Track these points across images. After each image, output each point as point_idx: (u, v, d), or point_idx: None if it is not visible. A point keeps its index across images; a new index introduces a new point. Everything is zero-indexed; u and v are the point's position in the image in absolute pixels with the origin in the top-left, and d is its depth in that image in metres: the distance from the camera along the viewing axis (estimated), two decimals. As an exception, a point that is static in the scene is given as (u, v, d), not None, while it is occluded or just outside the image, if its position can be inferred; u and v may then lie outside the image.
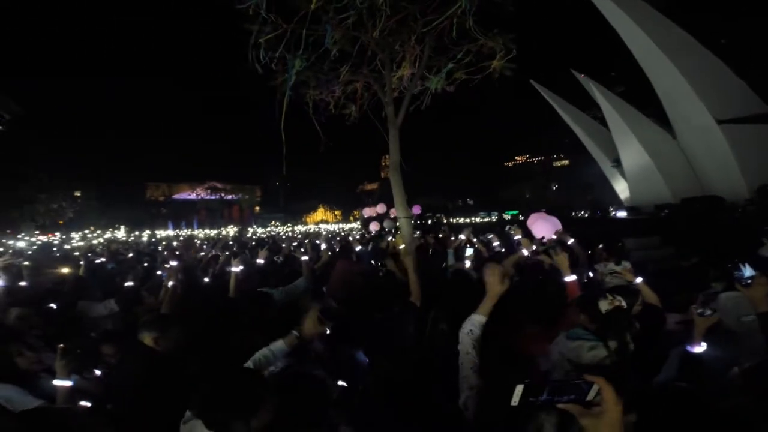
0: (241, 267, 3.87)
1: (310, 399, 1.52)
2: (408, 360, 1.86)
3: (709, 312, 2.00)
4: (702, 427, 1.22)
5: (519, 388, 0.81)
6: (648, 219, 25.77)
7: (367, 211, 17.32)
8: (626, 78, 38.53)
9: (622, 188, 39.28)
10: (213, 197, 70.71)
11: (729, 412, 1.43)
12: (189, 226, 49.98)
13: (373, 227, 16.38)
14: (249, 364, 1.89)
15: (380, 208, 15.29)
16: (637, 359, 2.05)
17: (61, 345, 1.98)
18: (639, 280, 3.05)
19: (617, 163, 37.78)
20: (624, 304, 2.15)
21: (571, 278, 2.90)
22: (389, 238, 7.52)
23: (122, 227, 31.16)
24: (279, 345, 1.95)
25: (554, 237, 4.85)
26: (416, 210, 19.63)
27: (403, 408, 1.59)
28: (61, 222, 36.60)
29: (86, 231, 22.74)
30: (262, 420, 1.37)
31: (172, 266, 3.83)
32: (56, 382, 1.94)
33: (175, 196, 71.19)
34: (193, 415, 1.46)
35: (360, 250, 6.62)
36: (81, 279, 4.72)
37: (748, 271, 1.75)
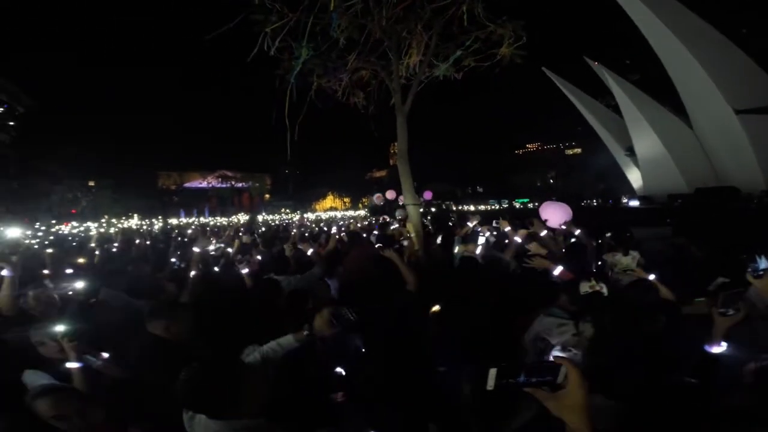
0: (253, 260, 3.87)
1: (311, 385, 1.54)
2: (406, 350, 1.88)
3: (731, 312, 1.91)
4: (705, 423, 1.21)
5: (493, 372, 0.81)
6: (661, 208, 25.39)
7: (378, 198, 17.38)
8: (641, 66, 37.51)
9: (635, 177, 38.63)
10: (224, 185, 71.37)
11: (735, 409, 1.41)
12: (200, 214, 50.64)
13: (377, 200, 16.42)
14: (257, 356, 1.91)
15: (390, 195, 15.29)
16: (653, 353, 2.06)
17: (63, 328, 2.04)
18: (652, 277, 3.02)
19: (630, 151, 37.11)
20: (605, 290, 2.17)
21: (558, 270, 2.93)
22: (394, 226, 7.53)
23: (135, 216, 31.69)
24: (288, 339, 1.98)
25: (563, 226, 4.81)
26: (428, 195, 19.58)
27: (400, 397, 1.61)
28: (74, 211, 37.37)
29: (101, 220, 23.18)
30: (247, 406, 1.39)
31: (193, 255, 3.83)
32: (68, 365, 2.02)
33: (187, 185, 72.03)
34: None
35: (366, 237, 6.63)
36: (102, 267, 4.78)
37: (764, 263, 1.72)
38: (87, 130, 53.32)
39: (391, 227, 7.38)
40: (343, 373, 2.00)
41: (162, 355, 2.14)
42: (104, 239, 9.17)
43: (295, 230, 8.62)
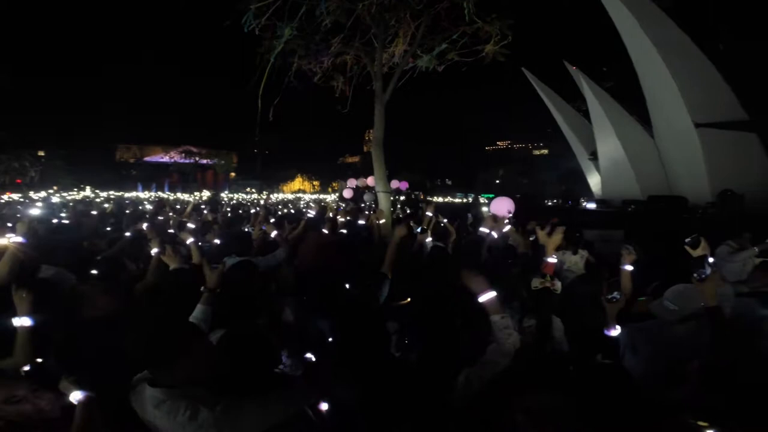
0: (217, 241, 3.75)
1: (252, 352, 1.54)
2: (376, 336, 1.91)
3: (616, 297, 2.26)
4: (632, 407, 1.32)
5: None
6: (615, 212, 26.88)
7: (351, 182, 17.29)
8: (617, 74, 39.11)
9: (595, 181, 40.52)
10: (187, 161, 68.42)
11: (679, 402, 1.54)
12: (160, 188, 48.51)
13: (347, 194, 16.43)
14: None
15: (369, 181, 15.26)
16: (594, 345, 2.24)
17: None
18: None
19: (594, 156, 38.82)
20: (557, 287, 2.32)
21: (552, 260, 3.00)
22: (367, 212, 7.54)
23: (87, 188, 29.80)
24: (199, 309, 2.07)
25: (508, 214, 5.04)
26: (403, 186, 19.69)
27: (370, 384, 1.64)
28: (18, 181, 34.71)
29: (49, 191, 21.59)
30: (188, 368, 1.39)
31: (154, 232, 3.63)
32: (16, 321, 1.85)
33: (147, 159, 68.72)
34: (140, 377, 1.45)
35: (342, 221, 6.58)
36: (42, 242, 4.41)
37: (709, 270, 1.87)
38: (39, 95, 49.70)
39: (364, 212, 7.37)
40: (312, 358, 2.01)
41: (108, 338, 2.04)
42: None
43: (260, 211, 8.40)
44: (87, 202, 13.97)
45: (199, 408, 1.32)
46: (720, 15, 31.97)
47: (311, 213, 6.13)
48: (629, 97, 33.25)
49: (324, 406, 1.58)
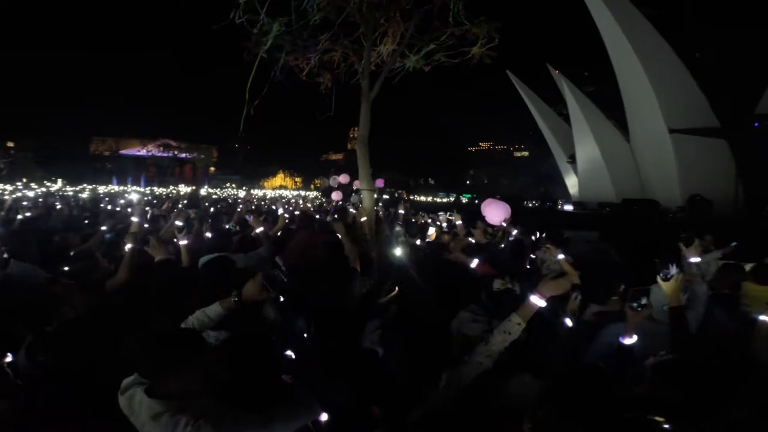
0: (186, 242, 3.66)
1: (257, 363, 1.51)
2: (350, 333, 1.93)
3: (639, 306, 2.10)
4: (611, 407, 1.38)
5: None
6: (591, 214, 27.69)
7: (334, 180, 17.20)
8: (598, 79, 40.16)
9: (572, 183, 41.53)
10: (165, 155, 66.61)
11: (640, 397, 1.61)
12: (136, 182, 47.17)
13: (335, 197, 16.35)
14: (183, 326, 1.84)
15: (343, 179, 15.18)
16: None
17: None
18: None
19: (572, 159, 39.80)
20: (517, 288, 2.37)
21: (474, 263, 3.10)
22: (351, 210, 7.52)
23: (59, 180, 28.67)
24: (214, 308, 1.89)
25: (503, 223, 5.13)
26: (379, 183, 19.71)
27: (342, 379, 1.65)
28: None
29: (18, 184, 20.63)
30: (189, 380, 1.34)
31: (133, 227, 3.51)
32: None
33: (123, 152, 66.56)
34: (133, 381, 1.39)
35: (321, 218, 6.56)
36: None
37: (674, 270, 1.95)
38: (8, 83, 47.56)
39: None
40: (293, 356, 2.00)
41: (86, 337, 1.97)
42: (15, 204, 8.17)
43: (241, 207, 8.26)
44: (60, 196, 13.45)
45: (202, 425, 1.25)
46: (701, 24, 33.27)
47: (280, 210, 6.04)
48: (608, 101, 34.23)
49: (324, 417, 1.54)
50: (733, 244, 4.62)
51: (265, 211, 9.04)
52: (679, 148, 27.45)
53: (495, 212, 5.07)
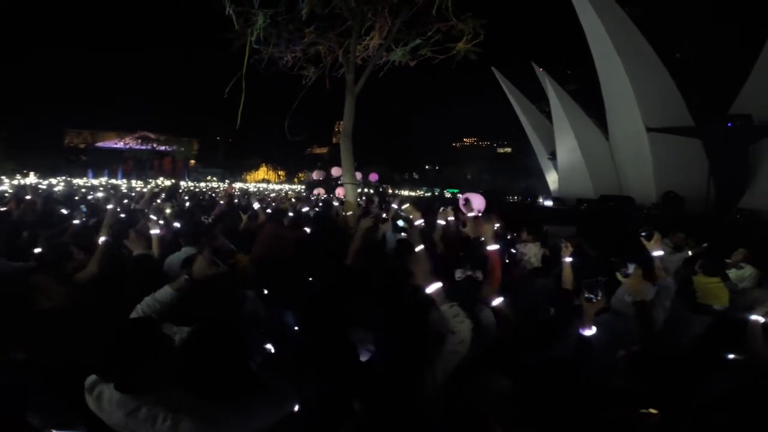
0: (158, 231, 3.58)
1: (222, 352, 1.48)
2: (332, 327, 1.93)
3: (594, 298, 2.19)
4: (582, 398, 1.43)
5: None
6: (569, 210, 28.29)
7: (318, 174, 17.17)
8: (580, 78, 40.96)
9: (552, 179, 42.29)
10: (143, 147, 64.73)
11: (611, 388, 1.67)
12: (113, 175, 45.83)
13: (317, 191, 16.30)
14: (133, 315, 1.78)
15: (335, 172, 15.15)
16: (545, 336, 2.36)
17: None
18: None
19: (553, 156, 40.49)
20: (480, 276, 2.38)
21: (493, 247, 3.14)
22: (337, 204, 7.49)
23: (32, 173, 27.58)
24: (164, 291, 1.81)
25: (479, 213, 5.21)
26: (373, 178, 19.78)
27: (325, 373, 1.66)
28: None
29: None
30: (154, 372, 1.33)
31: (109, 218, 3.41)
32: None
33: (99, 144, 64.41)
34: (98, 378, 1.36)
35: (306, 212, 6.50)
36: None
37: (631, 268, 2.04)
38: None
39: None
40: (272, 349, 2.00)
41: (58, 331, 1.93)
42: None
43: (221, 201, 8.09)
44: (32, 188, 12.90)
45: (182, 417, 1.24)
46: (684, 26, 34.21)
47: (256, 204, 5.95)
48: (590, 100, 34.92)
49: (298, 408, 1.53)
50: (704, 245, 4.73)
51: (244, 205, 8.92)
52: (655, 147, 28.24)
53: (476, 200, 5.22)
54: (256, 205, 5.57)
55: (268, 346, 2.01)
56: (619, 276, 2.07)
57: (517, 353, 1.92)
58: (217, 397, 1.33)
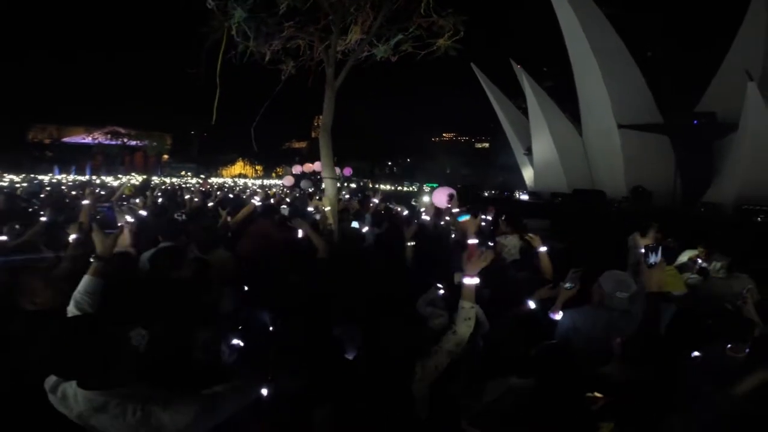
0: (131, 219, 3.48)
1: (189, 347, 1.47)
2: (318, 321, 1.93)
3: (568, 286, 2.37)
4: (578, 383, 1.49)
5: None
6: (544, 204, 29.04)
7: (297, 169, 17.04)
8: (557, 75, 41.86)
9: (528, 174, 43.18)
10: (113, 142, 62.30)
11: (605, 375, 1.73)
12: (80, 171, 43.97)
13: (287, 182, 16.15)
14: (72, 309, 1.70)
15: (318, 166, 15.03)
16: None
17: None
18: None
19: (529, 151, 41.30)
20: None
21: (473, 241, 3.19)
22: (316, 197, 7.42)
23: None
24: (85, 281, 1.75)
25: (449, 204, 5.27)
26: (347, 172, 19.64)
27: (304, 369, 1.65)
28: None
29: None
30: (118, 368, 1.30)
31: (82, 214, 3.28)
32: None
33: (66, 139, 61.55)
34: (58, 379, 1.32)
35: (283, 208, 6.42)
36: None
37: (653, 258, 1.99)
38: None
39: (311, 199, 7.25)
40: (241, 344, 1.96)
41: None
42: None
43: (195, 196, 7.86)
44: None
45: (152, 409, 1.25)
46: (660, 24, 35.39)
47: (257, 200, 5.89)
48: (565, 96, 35.73)
49: (265, 392, 1.54)
50: (669, 239, 4.95)
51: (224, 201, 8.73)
52: (625, 142, 29.22)
53: (440, 196, 5.18)
54: (255, 201, 5.53)
55: (238, 341, 1.97)
56: (645, 265, 1.97)
57: (521, 350, 1.91)
58: (184, 388, 1.35)
